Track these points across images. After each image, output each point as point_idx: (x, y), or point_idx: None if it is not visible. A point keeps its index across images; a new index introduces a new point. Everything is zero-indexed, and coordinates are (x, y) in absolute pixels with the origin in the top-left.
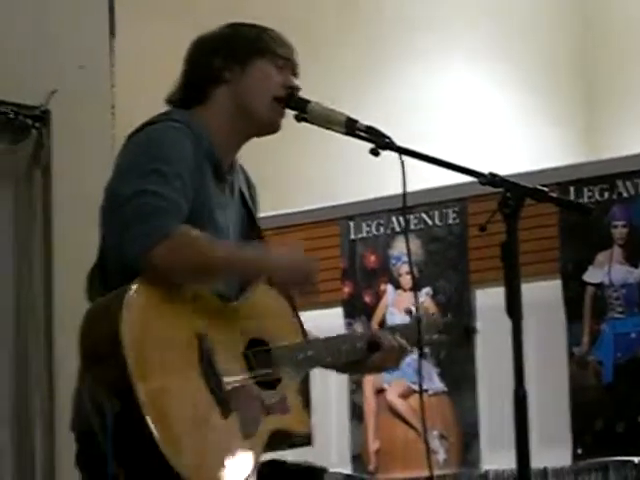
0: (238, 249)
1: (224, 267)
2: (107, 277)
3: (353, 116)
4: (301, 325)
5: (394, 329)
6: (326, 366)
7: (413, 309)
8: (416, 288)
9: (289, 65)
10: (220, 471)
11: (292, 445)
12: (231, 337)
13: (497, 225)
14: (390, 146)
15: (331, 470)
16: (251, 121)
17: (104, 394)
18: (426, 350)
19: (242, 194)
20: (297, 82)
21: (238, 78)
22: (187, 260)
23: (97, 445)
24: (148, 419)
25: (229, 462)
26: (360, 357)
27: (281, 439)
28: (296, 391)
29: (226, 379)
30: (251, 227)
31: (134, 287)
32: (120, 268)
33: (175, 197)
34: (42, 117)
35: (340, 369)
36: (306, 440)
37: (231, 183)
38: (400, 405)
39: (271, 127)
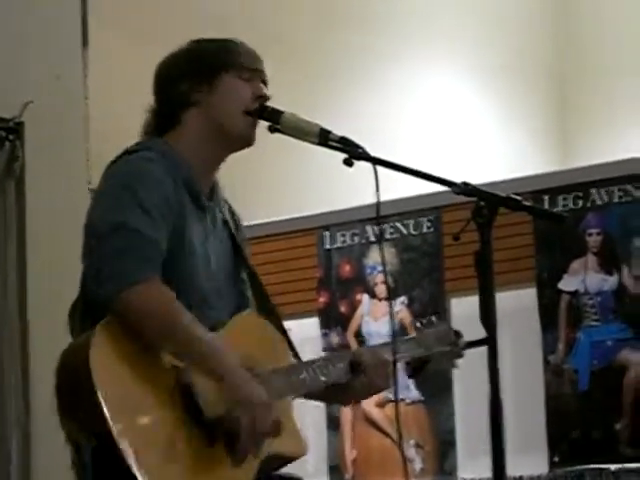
0: (212, 341)
1: (185, 343)
2: (88, 311)
3: (326, 125)
4: (293, 350)
5: (376, 347)
6: (313, 394)
7: (418, 324)
8: (391, 297)
9: (256, 75)
10: None
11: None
12: None
13: (471, 234)
14: (363, 156)
15: None
16: (226, 139)
17: (80, 432)
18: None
19: (226, 222)
20: (266, 90)
21: (206, 98)
22: (155, 315)
23: None
24: (125, 453)
25: None
26: (344, 380)
27: (275, 463)
28: (289, 413)
29: (210, 410)
30: (237, 257)
31: (105, 324)
32: (97, 303)
33: (153, 234)
34: (15, 129)
35: (327, 397)
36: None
37: (212, 210)
38: (376, 414)
39: (246, 141)
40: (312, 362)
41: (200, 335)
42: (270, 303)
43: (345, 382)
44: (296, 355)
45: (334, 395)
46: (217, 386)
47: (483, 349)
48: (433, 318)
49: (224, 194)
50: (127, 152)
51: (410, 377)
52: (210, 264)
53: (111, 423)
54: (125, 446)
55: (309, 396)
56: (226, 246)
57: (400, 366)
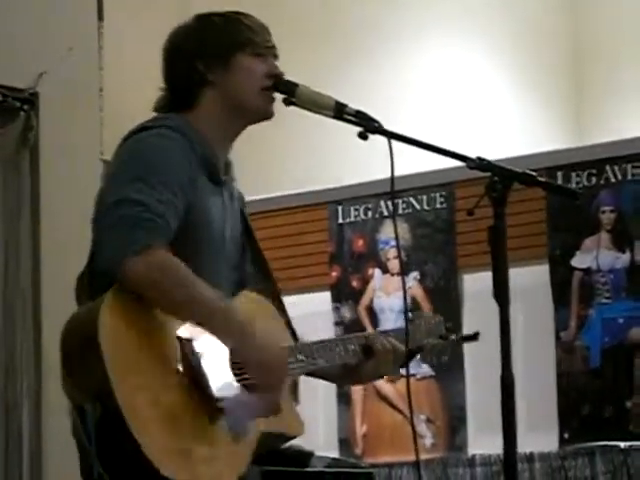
0: (220, 300)
1: (194, 305)
2: (95, 282)
3: (340, 98)
4: (292, 330)
5: (388, 333)
6: (318, 373)
7: (410, 314)
8: (404, 272)
9: (270, 51)
10: (208, 474)
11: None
12: (216, 342)
13: (485, 210)
14: (379, 130)
15: (318, 454)
16: (244, 115)
17: (85, 399)
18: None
19: (240, 201)
20: (279, 65)
21: (223, 78)
22: (161, 282)
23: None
24: (129, 422)
25: (217, 465)
26: (354, 361)
27: (272, 441)
28: (286, 393)
29: (212, 383)
30: (248, 236)
31: (112, 293)
32: (103, 273)
33: (161, 209)
34: (30, 99)
35: (333, 377)
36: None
37: (228, 185)
38: (387, 389)
39: (265, 116)
40: (312, 344)
41: (212, 298)
42: (272, 282)
43: (354, 364)
44: (294, 336)
45: (340, 376)
46: (222, 358)
47: (495, 324)
48: (426, 312)
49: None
50: (144, 128)
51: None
52: (225, 237)
53: (115, 385)
54: (127, 410)
55: (312, 375)
56: (238, 220)
57: None
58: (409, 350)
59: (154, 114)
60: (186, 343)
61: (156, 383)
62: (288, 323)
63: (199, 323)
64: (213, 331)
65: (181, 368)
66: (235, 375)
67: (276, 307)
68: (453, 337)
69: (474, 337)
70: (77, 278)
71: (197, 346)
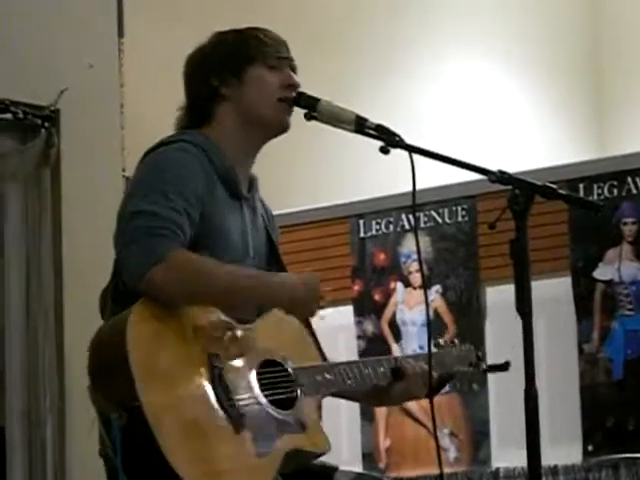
0: (245, 272)
1: (226, 289)
2: (119, 297)
3: (358, 112)
4: (320, 349)
5: (419, 356)
6: (346, 394)
7: (441, 341)
8: (426, 286)
9: (283, 62)
10: None
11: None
12: (244, 357)
13: (507, 222)
14: (400, 144)
15: (342, 468)
16: (261, 128)
17: (112, 408)
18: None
19: (263, 218)
20: (296, 78)
21: (237, 92)
22: (184, 280)
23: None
24: (155, 431)
25: (240, 478)
26: (384, 383)
27: (297, 458)
28: (313, 411)
29: (238, 397)
30: (272, 253)
31: (140, 305)
32: (132, 289)
33: (173, 216)
34: (51, 117)
35: (361, 398)
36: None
37: (253, 203)
38: (411, 403)
39: (281, 127)
40: (340, 364)
41: (236, 272)
42: None
43: (383, 386)
44: (323, 355)
45: (367, 397)
46: (249, 373)
47: (518, 336)
48: (456, 340)
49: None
50: (162, 143)
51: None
52: (249, 252)
53: (142, 396)
54: (153, 420)
55: (339, 395)
56: (263, 237)
57: None
58: (440, 377)
59: (175, 131)
60: (214, 356)
61: (183, 394)
62: (316, 343)
63: (241, 299)
64: (258, 299)
65: (208, 381)
66: (262, 390)
67: (304, 325)
68: (484, 366)
69: (504, 367)
70: (101, 293)
71: (225, 360)
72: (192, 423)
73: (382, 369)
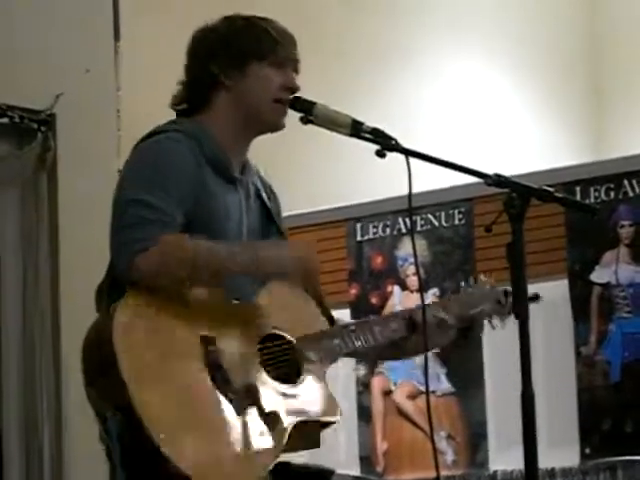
0: (238, 247)
1: (220, 265)
2: (113, 291)
3: (355, 114)
4: (327, 314)
5: (446, 298)
6: (358, 354)
7: (462, 285)
8: (423, 289)
9: (289, 63)
10: (236, 468)
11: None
12: (243, 336)
13: (503, 226)
14: (396, 148)
15: (339, 471)
16: (255, 124)
17: (107, 407)
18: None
19: (259, 195)
20: (296, 81)
21: (237, 83)
22: (175, 261)
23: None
24: (148, 427)
25: (245, 459)
26: (397, 338)
27: (307, 430)
28: (322, 380)
29: (238, 377)
30: (270, 227)
31: (126, 296)
32: (122, 280)
33: (166, 207)
34: (48, 121)
35: (375, 357)
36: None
37: (246, 184)
38: (408, 406)
39: (275, 127)
40: (348, 325)
41: (225, 250)
42: None
43: (398, 340)
44: (330, 318)
45: (380, 353)
46: (245, 349)
47: (515, 339)
48: (482, 276)
49: (255, 169)
50: (155, 132)
51: (456, 344)
52: (242, 234)
53: (132, 390)
54: (145, 413)
55: (353, 355)
56: (259, 215)
57: (431, 356)
58: (463, 320)
59: (171, 107)
60: (209, 339)
61: (178, 386)
62: (324, 308)
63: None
64: (250, 269)
65: (204, 366)
66: (265, 366)
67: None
68: (511, 299)
69: (534, 299)
70: (96, 288)
71: (221, 342)
72: (190, 414)
73: (394, 324)
